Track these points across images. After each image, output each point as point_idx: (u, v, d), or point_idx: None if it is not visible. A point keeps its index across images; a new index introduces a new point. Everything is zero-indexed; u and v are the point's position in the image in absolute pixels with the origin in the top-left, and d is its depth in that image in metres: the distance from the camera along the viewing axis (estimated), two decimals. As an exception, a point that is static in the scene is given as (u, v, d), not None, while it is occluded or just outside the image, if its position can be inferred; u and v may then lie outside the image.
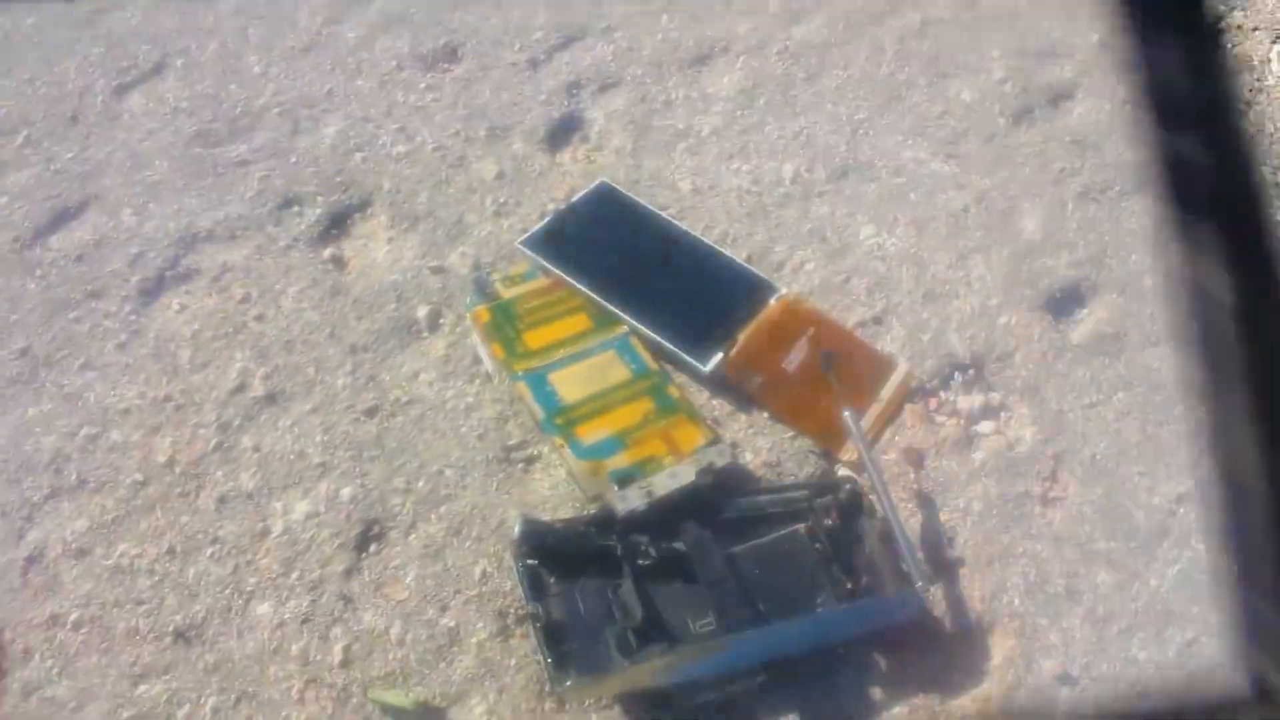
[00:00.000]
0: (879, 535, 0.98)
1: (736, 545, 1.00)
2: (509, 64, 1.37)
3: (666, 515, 1.00)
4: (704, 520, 1.00)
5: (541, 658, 0.91)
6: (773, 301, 1.07)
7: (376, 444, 1.08)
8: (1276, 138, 1.23)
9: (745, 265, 1.12)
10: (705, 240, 1.15)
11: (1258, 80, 1.37)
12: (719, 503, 1.02)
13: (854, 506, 1.00)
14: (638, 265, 1.13)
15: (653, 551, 0.98)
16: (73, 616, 1.00)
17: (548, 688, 0.91)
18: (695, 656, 0.91)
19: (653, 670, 0.90)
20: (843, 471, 1.05)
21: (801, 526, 1.00)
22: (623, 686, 0.91)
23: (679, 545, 0.98)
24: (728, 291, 1.11)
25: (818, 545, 0.99)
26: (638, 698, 0.92)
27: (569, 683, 0.90)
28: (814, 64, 1.36)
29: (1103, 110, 1.34)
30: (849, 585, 0.97)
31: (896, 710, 0.94)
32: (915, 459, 1.06)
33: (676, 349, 1.07)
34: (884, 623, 0.94)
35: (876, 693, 0.95)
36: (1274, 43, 1.39)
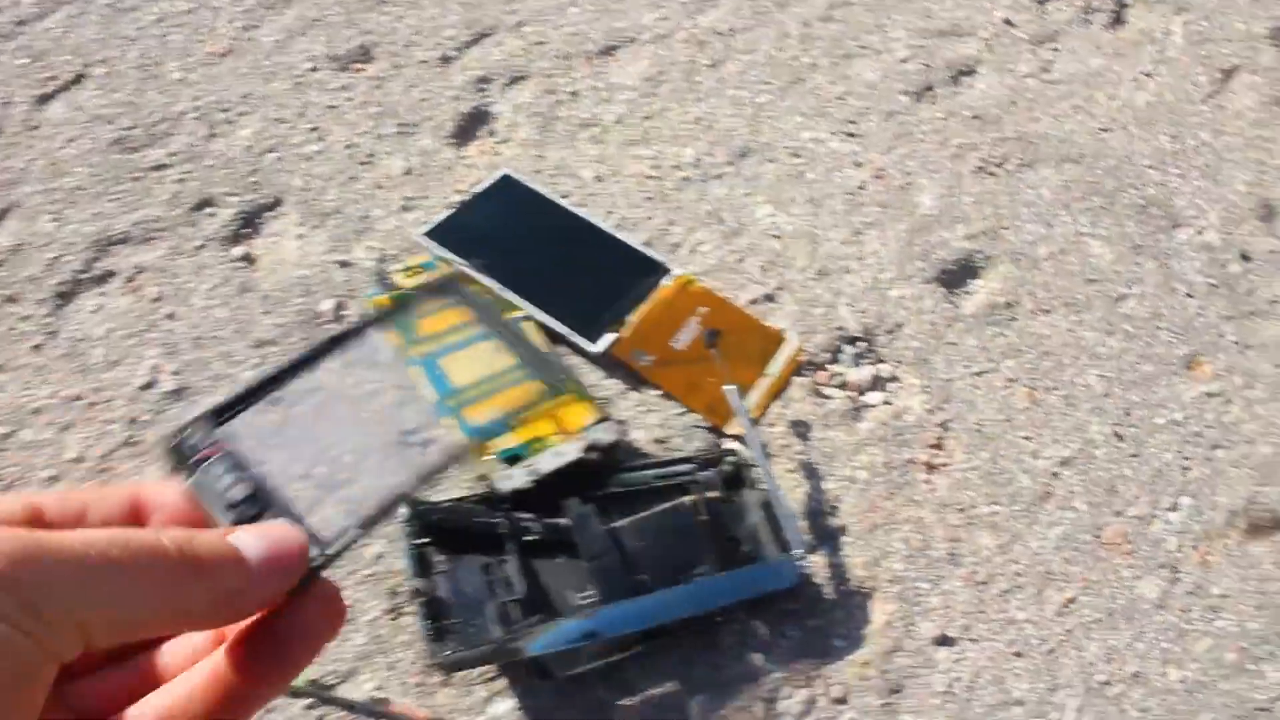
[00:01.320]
0: (761, 506, 1.00)
1: (621, 519, 1.02)
2: (420, 62, 1.39)
3: (553, 493, 1.02)
4: (589, 496, 1.02)
5: (422, 631, 0.94)
6: (665, 282, 1.10)
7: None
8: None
9: (640, 248, 1.14)
10: (603, 226, 1.17)
11: (1160, 52, 1.39)
12: (605, 479, 1.04)
13: (737, 478, 1.03)
14: (535, 252, 1.15)
15: (537, 528, 1.01)
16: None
17: (428, 660, 0.93)
18: (569, 623, 0.93)
19: (525, 643, 0.92)
20: (727, 444, 1.07)
21: (685, 499, 1.03)
22: (502, 658, 0.94)
23: (563, 521, 1.00)
24: (622, 274, 1.13)
25: (700, 517, 1.01)
26: (520, 669, 0.95)
27: (447, 653, 0.92)
28: (719, 50, 1.39)
29: (1004, 85, 1.36)
30: (729, 555, 0.99)
31: (776, 675, 0.96)
32: (802, 430, 1.08)
33: (567, 330, 1.10)
34: (762, 590, 0.96)
35: (757, 658, 0.97)
36: (1176, 14, 1.41)
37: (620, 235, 1.18)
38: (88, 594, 0.28)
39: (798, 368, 1.12)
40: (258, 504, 0.93)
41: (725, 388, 1.05)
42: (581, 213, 1.20)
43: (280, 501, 0.94)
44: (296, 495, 0.96)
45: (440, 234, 1.19)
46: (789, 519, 0.97)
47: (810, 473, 1.06)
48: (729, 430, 1.08)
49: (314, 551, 0.83)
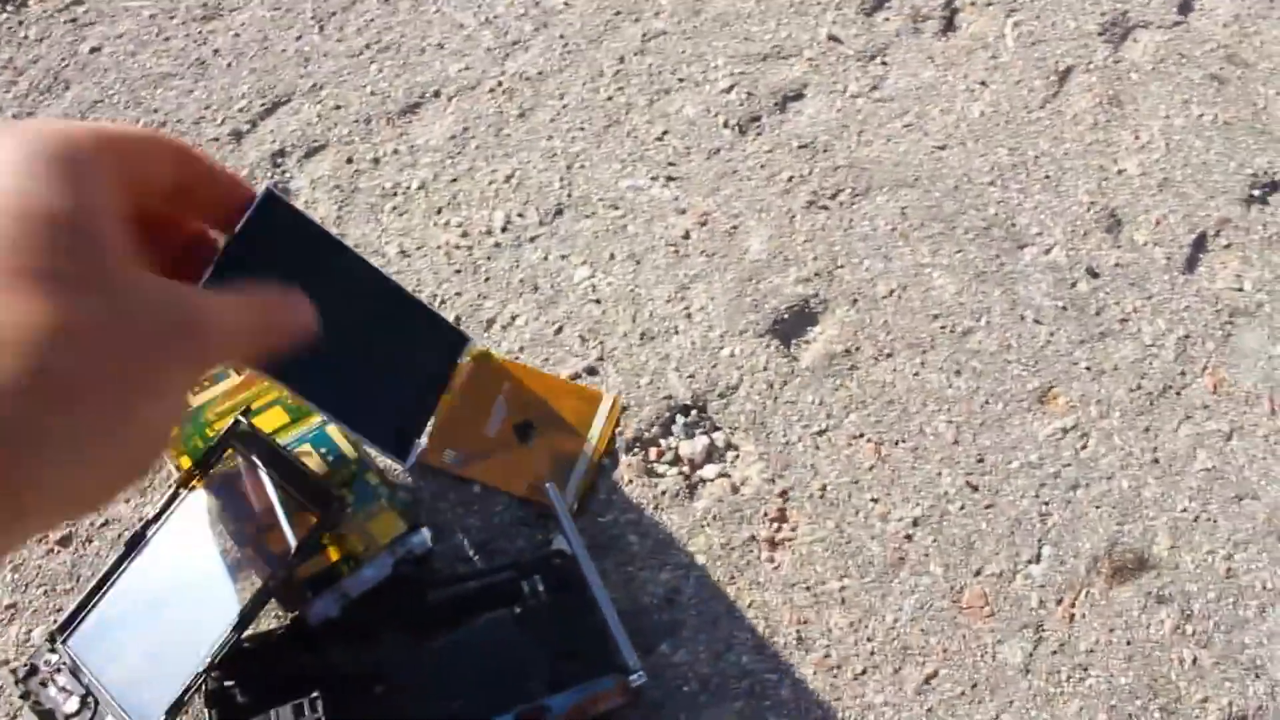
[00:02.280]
0: (591, 611, 0.92)
1: (440, 639, 0.93)
2: (211, 139, 1.29)
3: (366, 615, 0.93)
4: (407, 615, 0.93)
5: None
6: (462, 360, 1.00)
7: (70, 575, 1.00)
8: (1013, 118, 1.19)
9: (435, 312, 1.04)
10: (391, 279, 1.06)
11: (993, 58, 1.32)
12: (421, 596, 0.95)
13: (564, 581, 0.94)
14: (325, 327, 1.03)
15: (348, 664, 0.92)
16: None
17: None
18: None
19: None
20: (556, 544, 0.99)
21: (507, 611, 0.94)
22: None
23: (377, 652, 0.91)
24: (421, 352, 1.02)
25: (525, 629, 0.93)
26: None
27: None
28: (528, 98, 1.30)
29: (833, 108, 1.29)
30: (561, 671, 0.91)
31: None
32: (634, 517, 1.00)
33: (376, 449, 1.00)
34: (597, 709, 0.88)
35: (595, 783, 0.89)
36: (1008, 17, 1.35)
37: (415, 295, 1.07)
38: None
39: (616, 431, 1.03)
40: (87, 709, 0.84)
41: (546, 485, 0.96)
42: (362, 256, 1.08)
43: (106, 702, 0.86)
44: (121, 691, 0.87)
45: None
46: (618, 627, 0.89)
47: (644, 564, 0.98)
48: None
49: None
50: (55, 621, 0.93)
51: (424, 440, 0.85)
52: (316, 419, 1.03)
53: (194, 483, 0.97)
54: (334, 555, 0.95)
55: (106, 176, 0.36)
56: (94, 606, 0.95)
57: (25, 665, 0.93)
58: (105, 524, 1.03)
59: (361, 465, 1.01)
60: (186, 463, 1.01)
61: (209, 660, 0.88)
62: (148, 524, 0.97)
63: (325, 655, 0.92)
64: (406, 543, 0.96)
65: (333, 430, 1.03)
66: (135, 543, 0.96)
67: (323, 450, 1.01)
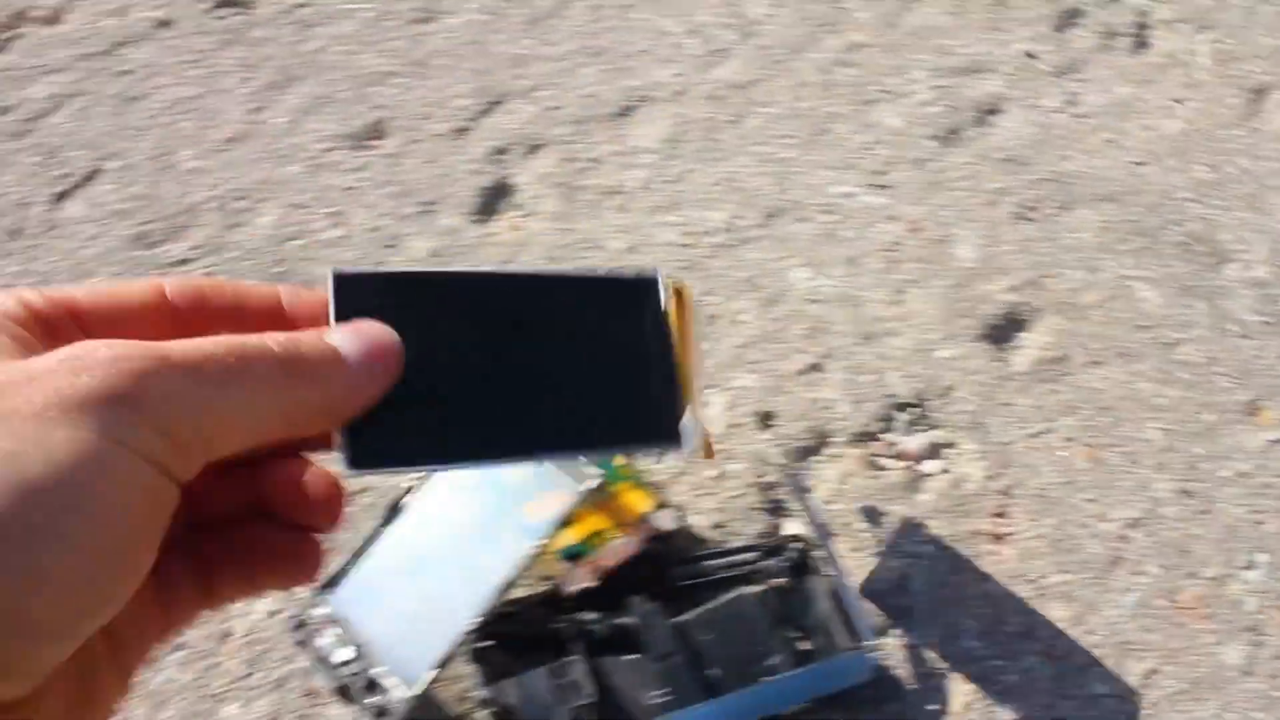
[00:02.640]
0: (829, 593, 0.98)
1: (686, 613, 1.00)
2: (435, 135, 1.37)
3: (615, 589, 1.00)
4: (653, 591, 1.00)
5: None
6: (665, 308, 1.04)
7: (372, 591, 1.08)
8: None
9: (598, 276, 1.04)
10: (531, 271, 1.02)
11: (1187, 75, 1.36)
12: (667, 571, 1.02)
13: (802, 566, 1.00)
14: (470, 364, 0.99)
15: (601, 628, 0.98)
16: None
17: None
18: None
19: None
20: (790, 529, 1.05)
21: (750, 589, 1.00)
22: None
23: (628, 620, 0.98)
24: (611, 323, 1.03)
25: (767, 608, 0.99)
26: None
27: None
28: (738, 105, 1.36)
29: (1031, 123, 1.33)
30: (800, 649, 0.97)
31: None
32: (862, 506, 1.05)
33: (640, 449, 1.03)
34: (837, 686, 0.94)
35: (835, 753, 0.95)
36: (1200, 34, 1.38)
37: (569, 270, 1.04)
38: (210, 405, 0.29)
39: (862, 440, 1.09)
40: (360, 661, 0.91)
41: (790, 473, 1.02)
42: (490, 269, 0.96)
43: (372, 654, 0.92)
44: (388, 647, 0.94)
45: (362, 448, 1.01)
46: (858, 608, 0.95)
47: (874, 551, 1.04)
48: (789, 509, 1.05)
49: (401, 694, 0.81)
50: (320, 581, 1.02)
51: (689, 413, 0.89)
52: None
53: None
54: (583, 532, 1.02)
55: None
56: (357, 567, 1.03)
57: (295, 618, 1.01)
58: (363, 490, 1.11)
59: (605, 446, 1.07)
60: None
61: (475, 620, 0.96)
62: (407, 493, 1.05)
63: (580, 621, 0.99)
64: (654, 520, 1.03)
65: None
66: (395, 510, 1.04)
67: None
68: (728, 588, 1.01)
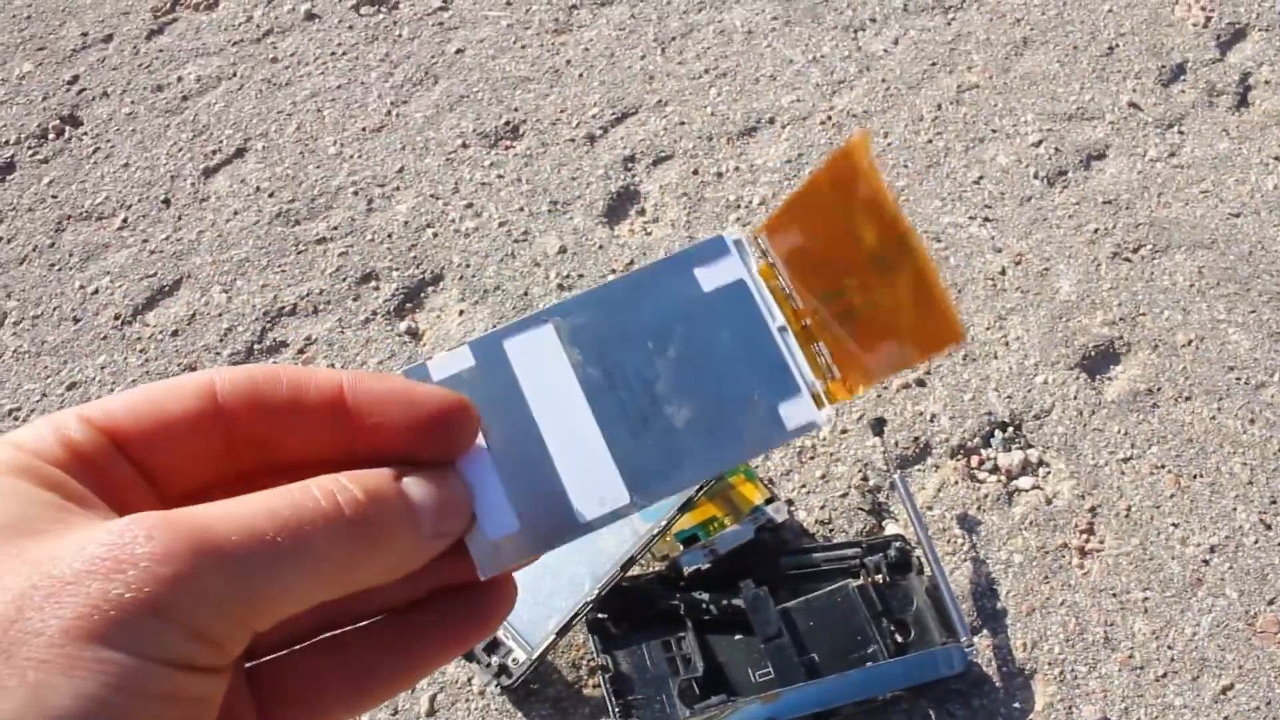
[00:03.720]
0: (926, 591, 1.05)
1: (791, 600, 1.07)
2: (567, 140, 1.45)
3: (727, 573, 1.07)
4: (761, 577, 1.07)
5: (609, 706, 0.99)
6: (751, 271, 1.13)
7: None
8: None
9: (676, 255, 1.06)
10: (626, 275, 1.15)
11: (1285, 136, 1.42)
12: (776, 560, 1.09)
13: (903, 564, 1.07)
14: (606, 420, 1.05)
15: (713, 608, 1.06)
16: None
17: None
18: (752, 708, 0.98)
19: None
20: (891, 529, 1.12)
21: (852, 582, 1.08)
22: (688, 737, 0.99)
23: (738, 601, 1.05)
24: (711, 313, 1.08)
25: (868, 600, 1.06)
26: (703, 745, 1.00)
27: (636, 732, 0.98)
28: (855, 132, 1.44)
29: (1134, 170, 1.40)
30: (898, 639, 1.04)
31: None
32: (959, 515, 1.12)
33: (769, 445, 1.11)
34: (933, 676, 1.01)
35: (925, 738, 1.02)
36: (1301, 98, 1.44)
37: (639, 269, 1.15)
38: (260, 591, 0.26)
39: (954, 451, 1.16)
40: None
41: (894, 476, 1.09)
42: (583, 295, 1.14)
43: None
44: (513, 611, 0.97)
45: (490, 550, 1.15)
46: (955, 605, 1.02)
47: (968, 556, 1.11)
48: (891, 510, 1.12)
49: (521, 655, 0.85)
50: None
51: (815, 380, 0.96)
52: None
53: None
54: (698, 517, 1.10)
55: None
56: None
57: None
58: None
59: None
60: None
61: (596, 593, 1.03)
62: None
63: (693, 599, 1.06)
64: (765, 511, 1.10)
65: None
66: None
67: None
68: (832, 580, 1.09)
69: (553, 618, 1.05)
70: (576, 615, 1.04)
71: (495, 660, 1.04)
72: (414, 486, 0.30)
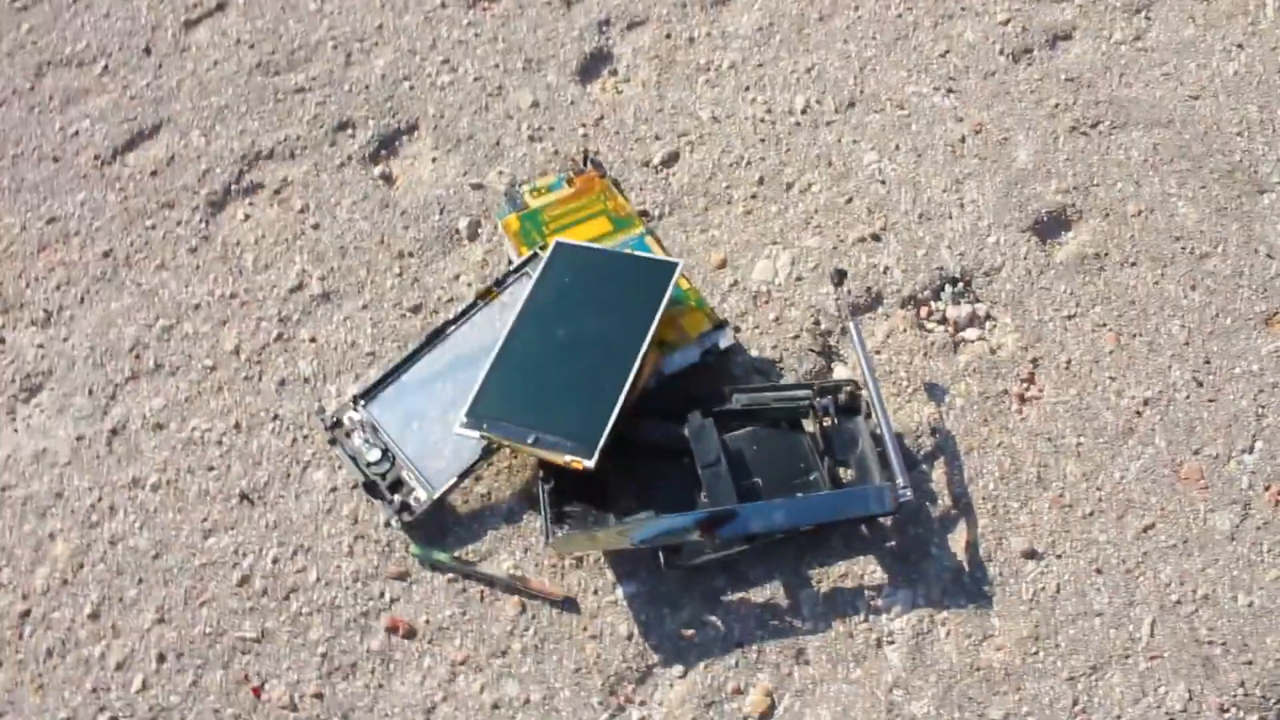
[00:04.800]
0: (871, 435, 1.09)
1: (741, 432, 1.11)
2: (544, 2, 1.48)
3: (677, 402, 1.11)
4: (710, 411, 1.10)
5: (543, 515, 1.03)
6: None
7: (419, 336, 1.20)
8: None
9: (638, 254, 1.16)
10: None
11: (1252, 24, 1.45)
12: (726, 395, 1.12)
13: (851, 407, 1.11)
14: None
15: (659, 434, 1.10)
16: (151, 479, 1.14)
17: (544, 542, 1.03)
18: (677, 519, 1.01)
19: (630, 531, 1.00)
20: (840, 373, 1.16)
21: (800, 421, 1.11)
22: (609, 545, 1.02)
23: (683, 429, 1.09)
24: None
25: (813, 437, 1.10)
26: (650, 557, 1.04)
27: (560, 534, 1.01)
28: (827, 5, 1.46)
29: (1098, 51, 1.43)
30: (836, 477, 1.08)
31: (879, 575, 1.05)
32: (906, 359, 1.16)
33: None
34: (860, 512, 1.04)
35: (862, 560, 1.06)
36: (1267, -10, 1.47)
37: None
38: None
39: (903, 302, 1.20)
40: (386, 462, 1.01)
41: (848, 324, 1.13)
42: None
43: (402, 459, 1.03)
44: (415, 454, 1.03)
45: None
46: (896, 449, 1.05)
47: (912, 397, 1.15)
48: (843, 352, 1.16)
49: (423, 495, 0.94)
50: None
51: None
52: (638, 229, 1.22)
53: (490, 295, 1.16)
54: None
55: None
56: (394, 381, 1.13)
57: (332, 417, 1.12)
58: (450, 300, 1.23)
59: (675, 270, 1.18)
60: (525, 250, 1.20)
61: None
62: (449, 323, 1.15)
63: (642, 428, 1.09)
64: (712, 336, 1.14)
65: (651, 240, 1.21)
66: (435, 336, 1.14)
67: (641, 255, 1.19)
68: (779, 418, 1.12)
69: (455, 462, 1.08)
70: (480, 460, 1.07)
71: (398, 499, 1.07)
72: None
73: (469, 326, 1.14)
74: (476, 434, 1.01)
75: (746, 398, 1.12)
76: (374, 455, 1.08)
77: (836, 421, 1.11)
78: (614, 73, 1.42)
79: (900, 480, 1.04)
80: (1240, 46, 1.44)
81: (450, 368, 1.12)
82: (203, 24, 1.51)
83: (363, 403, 1.12)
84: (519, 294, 1.12)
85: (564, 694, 1.02)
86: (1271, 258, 1.26)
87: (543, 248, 1.16)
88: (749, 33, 1.44)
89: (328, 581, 1.08)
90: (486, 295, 1.16)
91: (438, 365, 1.13)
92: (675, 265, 1.10)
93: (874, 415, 1.08)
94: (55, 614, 1.08)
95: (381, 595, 1.07)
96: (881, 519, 1.07)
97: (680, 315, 1.14)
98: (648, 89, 1.39)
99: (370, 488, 1.07)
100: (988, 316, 1.21)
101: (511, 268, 1.17)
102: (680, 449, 1.09)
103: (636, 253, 1.14)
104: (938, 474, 1.11)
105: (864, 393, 1.10)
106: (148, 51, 1.49)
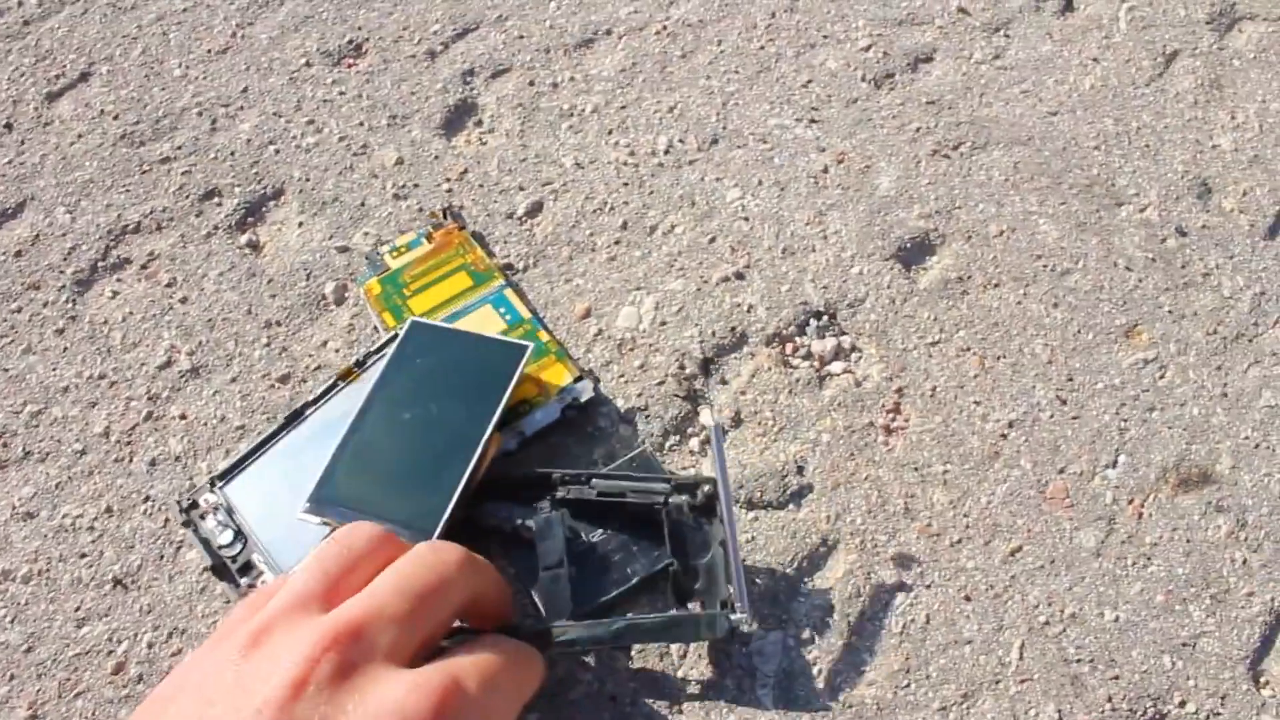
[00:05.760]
0: (721, 543, 1.03)
1: (587, 528, 1.07)
2: (409, 56, 1.47)
3: (530, 479, 1.08)
4: (559, 500, 1.07)
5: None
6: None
7: (288, 407, 1.19)
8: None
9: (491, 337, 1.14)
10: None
11: (1106, 38, 1.48)
12: (585, 480, 1.08)
13: (708, 508, 1.06)
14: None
15: (507, 526, 1.05)
16: (22, 571, 1.12)
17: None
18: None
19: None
20: (705, 471, 1.12)
21: (653, 516, 1.06)
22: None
23: (529, 519, 1.05)
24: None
25: (662, 545, 1.05)
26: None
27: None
28: (690, 41, 1.47)
29: (959, 72, 1.45)
30: (684, 586, 1.03)
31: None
32: (770, 398, 1.17)
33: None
34: (690, 639, 1.00)
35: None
36: (1123, 1, 1.50)
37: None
38: None
39: (769, 340, 1.21)
40: (239, 544, 1.00)
41: (708, 422, 1.12)
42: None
43: (255, 543, 1.03)
44: (267, 538, 1.04)
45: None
46: (739, 574, 0.99)
47: (778, 436, 1.16)
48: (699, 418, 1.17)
49: (271, 577, 0.96)
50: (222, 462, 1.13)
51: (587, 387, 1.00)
52: (497, 281, 1.22)
53: (351, 376, 1.15)
54: (514, 398, 1.13)
55: None
56: (252, 462, 1.12)
57: (188, 498, 1.11)
58: (319, 368, 1.23)
59: (535, 324, 1.19)
60: (387, 315, 1.20)
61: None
62: (308, 404, 1.14)
63: (484, 512, 1.06)
64: (572, 390, 1.14)
65: (510, 293, 1.21)
66: (294, 418, 1.14)
67: (501, 310, 1.19)
68: (634, 510, 1.06)
69: (305, 546, 1.06)
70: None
71: (244, 582, 1.06)
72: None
73: (329, 407, 1.13)
74: (318, 519, 1.01)
75: (604, 484, 1.08)
76: (226, 538, 1.08)
77: (693, 523, 1.06)
78: (479, 124, 1.42)
79: (740, 604, 0.98)
80: (1095, 60, 1.47)
81: (307, 449, 1.11)
82: (65, 96, 1.50)
83: (220, 484, 1.11)
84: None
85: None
86: (1130, 269, 1.28)
87: (404, 321, 1.16)
88: (612, 74, 1.45)
89: (198, 666, 1.07)
90: (347, 376, 1.15)
91: (296, 447, 1.12)
92: (525, 348, 1.10)
93: (723, 530, 1.02)
94: (-78, 720, 1.06)
95: (252, 677, 1.06)
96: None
97: (541, 369, 1.15)
98: (511, 138, 1.39)
99: (218, 570, 1.06)
100: (853, 349, 1.22)
101: (374, 347, 1.16)
102: (525, 537, 1.06)
103: (487, 335, 1.13)
104: (805, 513, 1.12)
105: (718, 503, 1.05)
106: (9, 127, 1.47)
